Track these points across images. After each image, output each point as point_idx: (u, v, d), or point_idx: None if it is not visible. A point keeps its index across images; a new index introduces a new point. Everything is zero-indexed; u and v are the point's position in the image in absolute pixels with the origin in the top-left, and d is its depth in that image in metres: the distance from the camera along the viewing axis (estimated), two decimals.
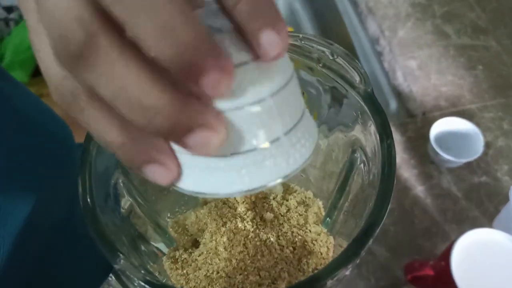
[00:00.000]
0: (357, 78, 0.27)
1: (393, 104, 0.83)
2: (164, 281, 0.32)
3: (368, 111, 0.26)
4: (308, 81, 0.30)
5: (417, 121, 0.78)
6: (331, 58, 0.27)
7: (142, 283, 0.21)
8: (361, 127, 0.28)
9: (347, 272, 0.21)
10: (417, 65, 0.85)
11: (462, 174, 0.72)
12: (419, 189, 0.70)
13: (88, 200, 0.24)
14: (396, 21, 0.92)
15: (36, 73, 1.63)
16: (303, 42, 0.28)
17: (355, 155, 0.30)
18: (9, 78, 0.36)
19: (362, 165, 0.29)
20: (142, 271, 0.22)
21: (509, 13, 0.92)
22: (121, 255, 0.22)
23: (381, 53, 0.88)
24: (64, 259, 0.37)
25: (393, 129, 0.73)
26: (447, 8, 0.93)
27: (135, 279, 0.21)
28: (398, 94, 0.83)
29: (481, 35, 0.88)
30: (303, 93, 0.31)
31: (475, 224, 0.66)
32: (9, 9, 1.76)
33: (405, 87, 0.83)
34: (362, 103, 0.26)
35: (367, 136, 0.28)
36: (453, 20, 0.91)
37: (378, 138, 0.26)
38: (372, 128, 0.27)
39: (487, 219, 0.67)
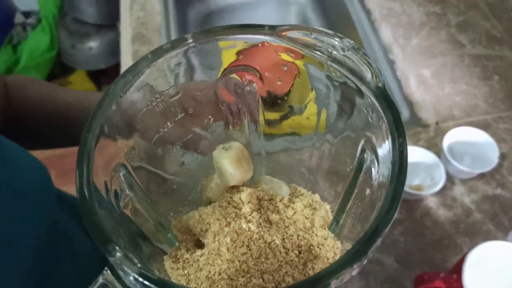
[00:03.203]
0: (369, 73, 0.26)
1: (405, 113, 0.81)
2: None
3: (379, 108, 0.25)
4: (317, 77, 0.29)
5: (429, 131, 0.77)
6: (341, 52, 0.26)
7: (138, 277, 0.20)
8: (371, 125, 0.27)
9: (353, 273, 0.20)
10: (431, 74, 0.84)
11: (475, 186, 0.70)
12: (430, 200, 0.69)
13: (85, 191, 0.23)
14: (410, 29, 0.91)
15: (50, 77, 1.65)
16: (313, 36, 0.27)
17: (364, 155, 0.29)
18: None
19: (371, 165, 0.28)
20: (139, 265, 0.21)
21: None
22: (117, 247, 0.21)
23: (394, 62, 0.87)
24: None
25: None
26: (462, 18, 0.92)
27: (131, 272, 0.20)
28: (411, 103, 0.81)
29: (496, 45, 0.87)
30: (311, 89, 0.30)
31: (489, 238, 0.64)
32: (27, 14, 1.79)
33: (418, 96, 0.82)
34: (374, 99, 0.25)
35: (377, 134, 0.27)
36: (468, 30, 0.90)
37: (389, 136, 0.25)
38: (384, 126, 0.26)
39: (501, 233, 0.65)
